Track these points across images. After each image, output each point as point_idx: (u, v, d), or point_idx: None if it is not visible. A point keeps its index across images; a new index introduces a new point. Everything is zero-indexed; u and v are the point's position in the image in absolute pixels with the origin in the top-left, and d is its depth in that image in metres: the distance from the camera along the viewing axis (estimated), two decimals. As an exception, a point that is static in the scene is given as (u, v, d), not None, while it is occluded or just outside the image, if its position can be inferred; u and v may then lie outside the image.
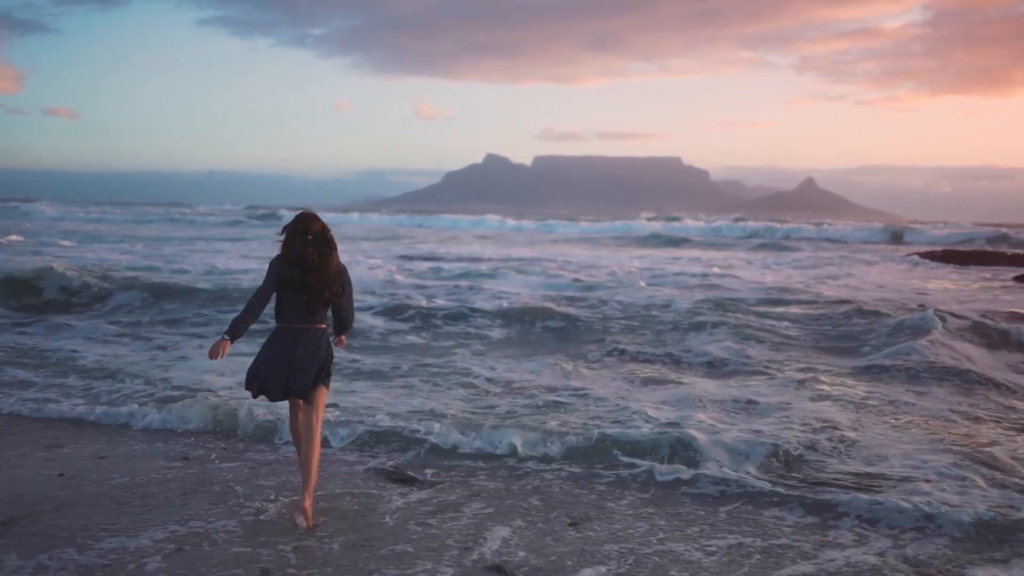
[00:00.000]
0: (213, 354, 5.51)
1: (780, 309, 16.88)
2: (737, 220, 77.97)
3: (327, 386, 5.87)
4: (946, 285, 24.44)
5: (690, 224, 69.99)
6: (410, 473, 6.93)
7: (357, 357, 11.66)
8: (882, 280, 25.64)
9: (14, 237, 35.10)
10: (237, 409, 8.34)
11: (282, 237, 5.73)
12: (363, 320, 14.19)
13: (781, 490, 6.52)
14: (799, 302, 17.98)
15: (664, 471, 6.89)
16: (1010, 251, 38.62)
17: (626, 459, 7.22)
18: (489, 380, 10.51)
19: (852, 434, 8.09)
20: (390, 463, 7.20)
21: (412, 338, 13.49)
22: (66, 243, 34.60)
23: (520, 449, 7.46)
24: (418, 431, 7.86)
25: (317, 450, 5.78)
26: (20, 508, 5.93)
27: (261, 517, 5.89)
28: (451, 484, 6.73)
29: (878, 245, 51.49)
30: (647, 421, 8.36)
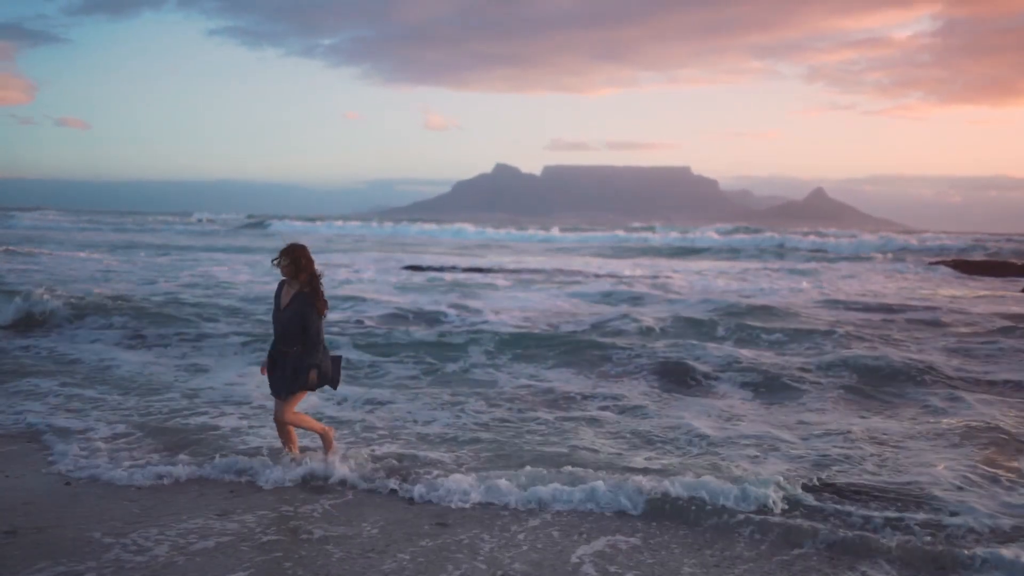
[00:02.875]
0: (311, 387, 6.96)
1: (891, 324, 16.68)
2: (737, 230, 77.22)
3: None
4: (974, 294, 24.42)
5: (712, 236, 68.88)
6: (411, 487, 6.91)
7: (383, 365, 11.67)
8: (927, 291, 25.54)
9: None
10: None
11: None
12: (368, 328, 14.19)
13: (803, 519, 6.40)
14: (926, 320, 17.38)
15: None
16: (1020, 261, 38.53)
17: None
18: (512, 396, 10.46)
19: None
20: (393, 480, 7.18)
21: (430, 348, 13.40)
22: (83, 255, 34.84)
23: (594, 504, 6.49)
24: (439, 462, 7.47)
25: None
26: (26, 518, 5.93)
27: (270, 521, 5.91)
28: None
29: (889, 254, 51.17)
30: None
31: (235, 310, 16.53)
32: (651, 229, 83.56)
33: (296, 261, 6.77)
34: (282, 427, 7.16)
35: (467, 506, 6.38)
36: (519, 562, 5.43)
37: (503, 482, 6.63)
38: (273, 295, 7.01)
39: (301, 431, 7.47)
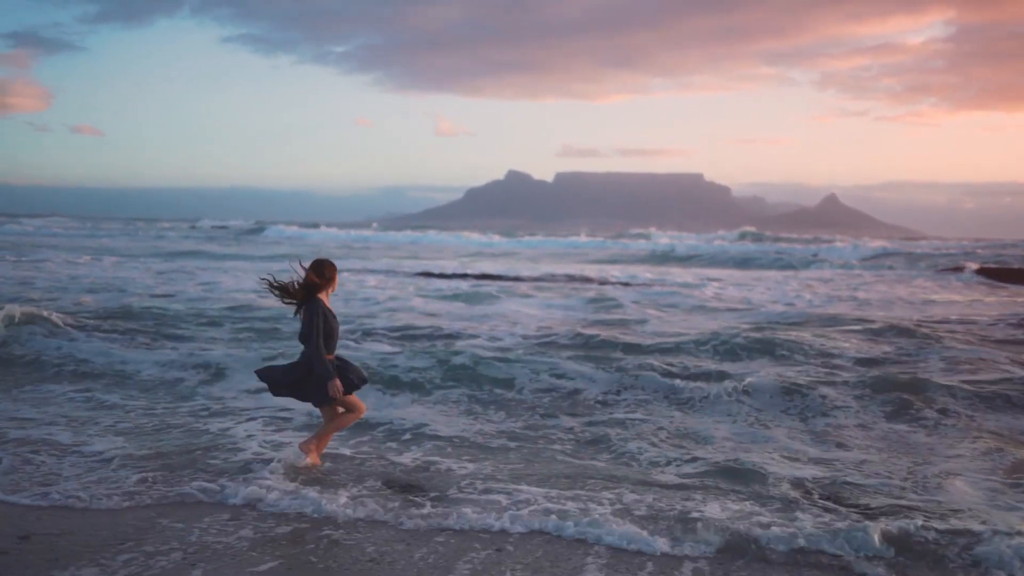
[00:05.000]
0: (334, 392, 6.83)
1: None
2: (744, 236, 75.87)
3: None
4: (1011, 301, 24.05)
5: (722, 243, 66.82)
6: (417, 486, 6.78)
7: (397, 371, 11.55)
8: (959, 297, 25.10)
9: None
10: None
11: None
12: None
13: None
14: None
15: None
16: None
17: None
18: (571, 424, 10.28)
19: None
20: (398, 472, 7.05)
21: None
22: (89, 260, 35.01)
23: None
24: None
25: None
26: (39, 524, 5.84)
27: (287, 524, 5.80)
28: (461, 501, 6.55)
29: (904, 260, 50.60)
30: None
31: (241, 317, 16.40)
32: (646, 236, 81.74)
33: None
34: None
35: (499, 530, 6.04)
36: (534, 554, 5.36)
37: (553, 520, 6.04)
38: (320, 314, 6.90)
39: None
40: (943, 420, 9.40)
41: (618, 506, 6.33)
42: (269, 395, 10.05)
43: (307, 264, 7.05)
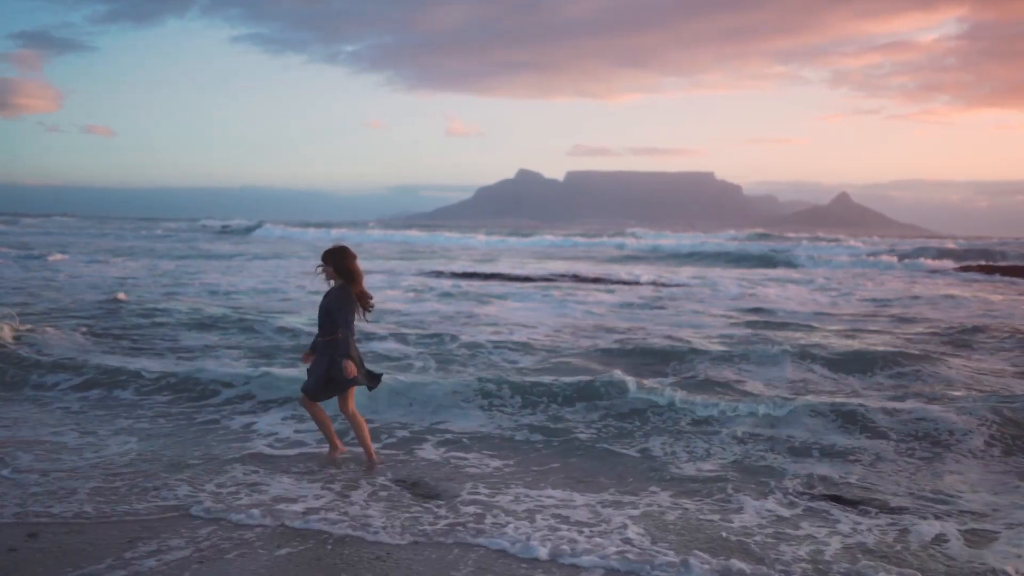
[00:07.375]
0: (350, 371, 6.86)
1: None
2: (750, 237, 75.23)
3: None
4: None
5: (724, 243, 66.18)
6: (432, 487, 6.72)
7: (409, 371, 11.50)
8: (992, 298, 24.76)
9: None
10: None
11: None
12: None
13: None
14: None
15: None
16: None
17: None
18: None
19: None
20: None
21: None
22: (104, 262, 35.17)
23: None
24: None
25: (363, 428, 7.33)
26: (47, 523, 5.75)
27: (291, 526, 5.74)
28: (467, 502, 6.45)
29: (918, 260, 50.28)
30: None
31: (247, 319, 16.34)
32: (644, 236, 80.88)
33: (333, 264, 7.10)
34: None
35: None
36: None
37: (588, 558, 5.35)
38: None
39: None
40: (969, 419, 9.25)
41: (644, 509, 6.21)
42: (289, 394, 10.05)
43: (333, 253, 7.07)
